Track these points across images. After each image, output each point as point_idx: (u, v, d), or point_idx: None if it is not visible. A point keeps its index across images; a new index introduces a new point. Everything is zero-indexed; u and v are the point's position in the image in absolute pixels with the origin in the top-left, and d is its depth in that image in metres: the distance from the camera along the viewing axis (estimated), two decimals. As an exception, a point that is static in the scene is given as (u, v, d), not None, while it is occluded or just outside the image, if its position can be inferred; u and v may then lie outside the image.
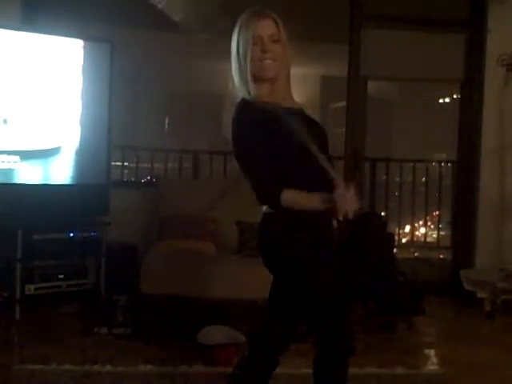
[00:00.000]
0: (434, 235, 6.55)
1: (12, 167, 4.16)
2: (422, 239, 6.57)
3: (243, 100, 2.05)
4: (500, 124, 5.10)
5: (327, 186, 2.10)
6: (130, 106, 7.40)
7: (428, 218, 6.39)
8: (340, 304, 2.05)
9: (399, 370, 3.34)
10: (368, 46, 5.13)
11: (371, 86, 5.34)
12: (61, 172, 4.37)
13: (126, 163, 5.84)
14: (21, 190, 4.17)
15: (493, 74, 5.07)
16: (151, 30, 5.58)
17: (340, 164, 5.12)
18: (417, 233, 6.69)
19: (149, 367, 3.21)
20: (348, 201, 1.92)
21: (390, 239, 4.57)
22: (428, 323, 4.37)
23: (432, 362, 3.77)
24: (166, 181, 5.21)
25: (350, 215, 1.93)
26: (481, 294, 4.70)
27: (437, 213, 6.38)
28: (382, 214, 5.59)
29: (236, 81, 2.07)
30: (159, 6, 4.83)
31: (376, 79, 5.56)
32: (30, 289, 4.14)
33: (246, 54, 2.02)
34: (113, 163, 4.95)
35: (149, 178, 5.96)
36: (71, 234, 4.33)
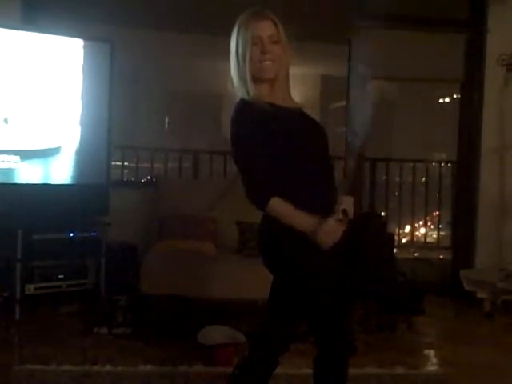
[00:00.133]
0: (434, 235, 6.55)
1: (12, 167, 4.16)
2: (422, 239, 6.57)
3: (242, 100, 2.05)
4: (500, 124, 5.10)
5: (327, 187, 2.11)
6: (130, 105, 7.40)
7: (428, 218, 6.39)
8: (340, 304, 2.05)
9: (399, 370, 3.34)
10: (368, 46, 5.13)
11: (371, 85, 5.34)
12: (61, 172, 4.37)
13: (126, 163, 5.84)
14: (21, 189, 4.16)
15: (493, 74, 5.07)
16: (151, 29, 5.58)
17: (340, 164, 5.12)
18: (417, 233, 6.69)
19: (149, 367, 3.22)
20: (332, 236, 1.95)
21: (389, 239, 4.57)
22: (428, 323, 4.37)
23: (432, 362, 3.78)
24: (166, 181, 5.21)
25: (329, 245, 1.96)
26: (481, 294, 4.70)
27: (437, 213, 6.38)
28: (382, 214, 5.59)
29: (235, 81, 2.07)
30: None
31: (376, 79, 5.55)
32: (30, 289, 4.14)
33: (245, 55, 2.02)
34: (113, 163, 4.95)
35: (149, 177, 5.96)
36: (71, 234, 4.33)
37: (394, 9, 5.15)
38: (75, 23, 4.71)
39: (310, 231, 1.95)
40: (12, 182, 4.16)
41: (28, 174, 4.22)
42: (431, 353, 3.93)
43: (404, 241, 6.68)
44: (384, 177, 6.01)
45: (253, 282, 3.27)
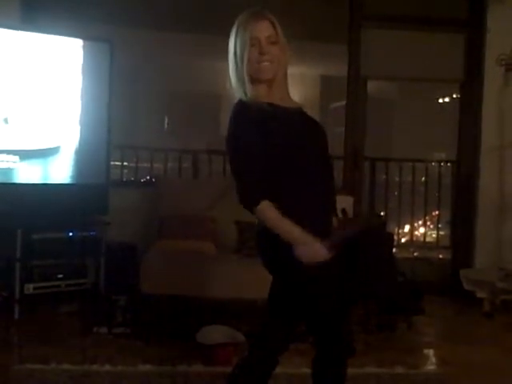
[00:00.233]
0: (434, 235, 6.55)
1: (11, 167, 4.16)
2: (422, 239, 6.57)
3: (240, 101, 2.05)
4: (499, 124, 5.10)
5: (327, 187, 2.11)
6: (129, 105, 7.40)
7: (427, 217, 6.39)
8: (339, 305, 2.05)
9: (399, 370, 3.34)
10: (368, 46, 5.14)
11: (371, 85, 5.35)
12: (60, 171, 4.37)
13: (125, 163, 5.84)
14: (20, 189, 4.16)
15: (492, 74, 5.07)
16: (151, 29, 5.58)
17: (339, 164, 5.13)
18: (416, 232, 6.68)
19: (148, 367, 3.21)
20: (310, 259, 1.92)
21: (389, 239, 4.58)
22: (427, 323, 4.37)
23: (431, 361, 3.78)
24: (166, 180, 5.21)
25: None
26: (480, 294, 4.71)
27: (436, 212, 6.38)
28: (382, 213, 5.59)
29: (233, 82, 2.07)
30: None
31: (376, 79, 5.56)
32: (30, 288, 4.14)
33: (242, 56, 2.02)
34: (112, 163, 4.95)
35: (148, 177, 5.96)
36: (70, 234, 4.33)
37: (393, 9, 5.15)
38: (75, 23, 4.71)
39: (293, 243, 1.93)
40: (11, 181, 4.16)
41: (27, 173, 4.22)
42: (431, 352, 3.93)
43: (403, 240, 6.69)
44: (384, 176, 6.00)
45: (252, 281, 3.27)
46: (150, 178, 5.83)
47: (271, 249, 2.02)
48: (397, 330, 4.11)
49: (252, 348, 2.20)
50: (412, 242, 6.52)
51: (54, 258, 4.27)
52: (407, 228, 6.65)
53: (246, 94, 2.04)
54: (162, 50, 7.03)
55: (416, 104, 8.60)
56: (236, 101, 2.06)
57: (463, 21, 5.25)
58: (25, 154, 4.20)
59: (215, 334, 3.35)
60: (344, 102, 5.38)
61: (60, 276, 4.27)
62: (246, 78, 2.03)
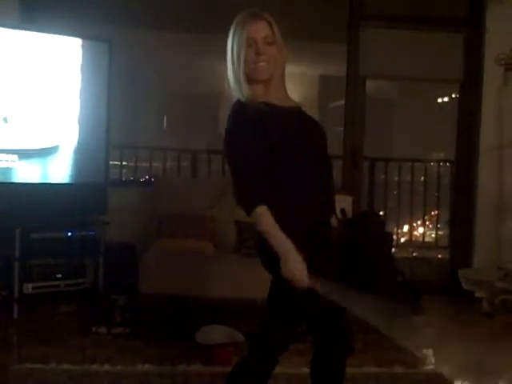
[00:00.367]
0: (433, 235, 6.56)
1: (10, 166, 4.16)
2: (421, 239, 6.58)
3: (238, 101, 2.05)
4: (499, 123, 5.10)
5: (326, 186, 2.10)
6: (128, 105, 7.39)
7: (426, 217, 6.39)
8: (338, 304, 2.05)
9: (398, 369, 3.35)
10: (367, 46, 5.13)
11: (370, 85, 5.35)
12: (59, 171, 4.37)
13: (124, 162, 5.86)
14: (19, 188, 4.16)
15: (491, 74, 5.07)
16: (151, 29, 5.57)
17: (338, 163, 5.12)
18: (415, 232, 6.69)
19: (147, 367, 3.21)
20: (292, 278, 1.91)
21: (388, 239, 4.59)
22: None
23: (430, 361, 3.78)
24: (165, 180, 5.21)
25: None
26: (479, 294, 4.71)
27: (435, 212, 6.39)
28: (381, 213, 5.59)
29: (231, 82, 2.07)
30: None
31: (375, 78, 5.56)
32: (28, 288, 4.13)
33: (239, 56, 2.03)
34: (111, 162, 4.95)
35: (147, 177, 5.97)
36: (69, 233, 4.33)
37: (392, 8, 5.15)
38: (74, 22, 4.71)
39: (279, 255, 1.93)
40: (10, 180, 4.16)
41: (26, 172, 4.22)
42: (430, 352, 3.93)
43: (402, 240, 6.70)
44: (383, 176, 6.01)
45: (252, 281, 3.27)
46: (149, 178, 5.83)
47: (270, 249, 2.02)
48: (396, 330, 4.11)
49: (252, 348, 2.20)
50: (411, 241, 6.53)
51: (53, 258, 4.27)
52: (406, 228, 6.66)
53: (243, 94, 2.04)
54: (161, 49, 7.02)
55: (415, 104, 8.61)
56: (234, 101, 2.06)
57: (462, 20, 5.25)
58: (24, 154, 4.20)
59: (215, 333, 3.35)
60: (343, 102, 5.38)
61: (59, 276, 4.27)
62: (243, 78, 2.03)
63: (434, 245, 6.32)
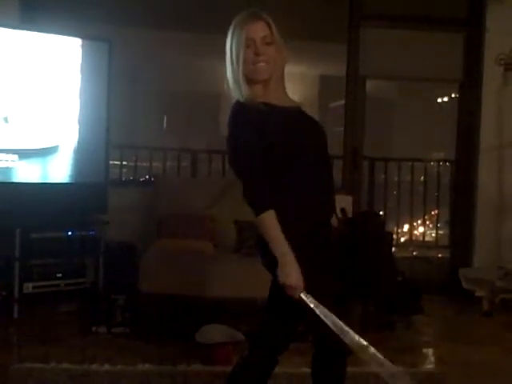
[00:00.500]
0: (433, 234, 6.56)
1: (10, 166, 4.16)
2: (421, 238, 6.58)
3: (238, 102, 2.05)
4: (498, 123, 5.11)
5: (326, 186, 2.10)
6: (128, 105, 7.39)
7: (426, 217, 6.40)
8: (338, 304, 2.05)
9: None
10: (367, 46, 5.14)
11: (370, 85, 5.35)
12: (59, 171, 4.37)
13: (124, 162, 5.86)
14: (19, 188, 4.16)
15: (491, 74, 5.08)
16: (151, 29, 5.57)
17: (339, 163, 5.13)
18: (415, 232, 6.69)
19: (147, 366, 3.21)
20: (287, 284, 1.92)
21: (388, 238, 4.59)
22: (426, 322, 4.37)
23: (430, 360, 3.78)
24: (165, 179, 5.21)
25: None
26: (479, 293, 4.71)
27: (435, 212, 6.39)
28: (381, 213, 5.59)
29: (230, 83, 2.07)
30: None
31: (375, 78, 5.56)
32: (29, 287, 4.13)
33: (238, 56, 2.03)
34: (111, 162, 4.95)
35: (147, 176, 5.97)
36: (69, 233, 4.33)
37: (392, 8, 5.16)
38: (74, 22, 4.71)
39: (277, 255, 1.94)
40: (10, 180, 4.16)
41: (26, 172, 4.22)
42: (430, 351, 3.93)
43: (402, 240, 6.70)
44: (382, 176, 6.01)
45: (251, 281, 3.27)
46: (149, 178, 5.83)
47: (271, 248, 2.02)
48: (396, 329, 4.11)
49: (252, 347, 2.20)
50: (411, 241, 6.53)
51: (53, 257, 4.27)
52: (406, 227, 6.66)
53: (242, 94, 2.04)
54: (161, 49, 7.02)
55: (415, 103, 8.61)
56: (234, 102, 2.06)
57: (462, 20, 5.25)
58: (24, 153, 4.20)
59: (214, 333, 3.35)
60: (343, 102, 5.38)
61: (59, 275, 4.27)
62: (242, 79, 2.03)
63: (434, 244, 6.32)
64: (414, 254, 6.10)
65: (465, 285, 4.80)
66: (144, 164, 6.00)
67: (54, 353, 3.36)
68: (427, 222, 6.55)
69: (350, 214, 4.21)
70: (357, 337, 1.89)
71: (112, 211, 4.46)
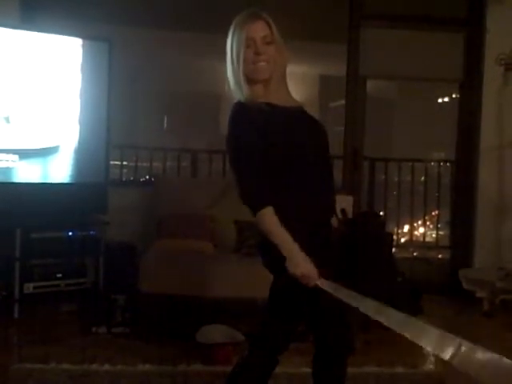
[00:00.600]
0: (433, 235, 6.56)
1: (11, 166, 4.16)
2: (421, 239, 6.58)
3: (239, 102, 2.05)
4: (499, 123, 5.10)
5: (326, 186, 2.10)
6: (128, 105, 7.39)
7: (427, 217, 6.39)
8: (339, 304, 2.05)
9: (398, 369, 3.35)
10: (367, 46, 5.14)
11: (370, 85, 5.34)
12: (59, 171, 4.37)
13: (124, 162, 5.85)
14: (19, 188, 4.16)
15: (491, 74, 5.07)
16: (151, 28, 5.58)
17: (339, 163, 5.12)
18: (416, 232, 6.69)
19: (147, 366, 3.21)
20: (301, 276, 1.91)
21: (388, 239, 4.59)
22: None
23: (431, 361, 3.77)
24: (165, 180, 5.21)
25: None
26: (480, 294, 4.70)
27: (436, 212, 6.38)
28: (381, 213, 5.59)
29: (231, 83, 2.07)
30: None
31: (375, 78, 5.56)
32: (29, 287, 4.14)
33: (238, 56, 2.03)
34: (112, 162, 4.95)
35: (147, 176, 5.97)
36: (70, 233, 4.33)
37: (392, 8, 5.15)
38: (74, 22, 4.71)
39: (284, 254, 1.93)
40: (11, 180, 4.16)
41: (26, 172, 4.22)
42: (430, 352, 3.92)
43: (403, 240, 6.69)
44: (383, 176, 6.01)
45: (252, 281, 3.27)
46: (150, 178, 5.83)
47: (273, 248, 2.02)
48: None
49: (252, 347, 2.20)
50: (411, 241, 6.53)
51: (54, 258, 4.27)
52: (406, 228, 6.66)
53: (243, 94, 2.04)
54: (161, 49, 7.02)
55: (415, 104, 8.61)
56: (234, 102, 2.06)
57: (462, 20, 5.25)
58: (24, 153, 4.20)
59: (215, 333, 3.35)
60: (343, 102, 5.38)
61: (59, 275, 4.27)
62: (243, 79, 2.03)
63: (435, 245, 6.31)
64: (415, 254, 6.10)
65: (465, 285, 4.80)
66: (144, 164, 6.00)
67: (54, 353, 3.36)
68: (427, 223, 6.55)
69: (350, 215, 4.21)
70: (394, 312, 1.87)
71: (112, 211, 4.46)
